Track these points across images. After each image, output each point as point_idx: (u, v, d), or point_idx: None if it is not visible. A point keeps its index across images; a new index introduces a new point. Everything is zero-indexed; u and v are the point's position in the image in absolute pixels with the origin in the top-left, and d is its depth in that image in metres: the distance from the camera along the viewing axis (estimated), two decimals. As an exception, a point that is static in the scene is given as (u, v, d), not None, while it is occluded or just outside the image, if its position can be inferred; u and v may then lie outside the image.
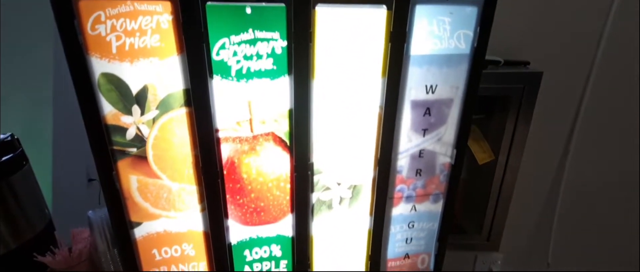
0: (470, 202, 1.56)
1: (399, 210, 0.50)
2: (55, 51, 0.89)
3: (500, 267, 1.64)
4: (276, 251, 0.49)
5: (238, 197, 0.44)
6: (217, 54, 0.37)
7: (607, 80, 1.13)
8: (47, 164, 1.08)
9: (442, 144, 0.47)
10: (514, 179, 1.39)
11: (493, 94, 1.30)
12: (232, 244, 0.47)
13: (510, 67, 0.96)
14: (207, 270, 0.47)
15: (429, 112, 0.45)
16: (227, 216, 0.45)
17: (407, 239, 0.53)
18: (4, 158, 0.91)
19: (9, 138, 0.93)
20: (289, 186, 0.45)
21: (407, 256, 0.54)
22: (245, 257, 0.48)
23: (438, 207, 0.52)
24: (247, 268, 0.49)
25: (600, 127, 1.33)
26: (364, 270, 0.53)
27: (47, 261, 0.91)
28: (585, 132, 1.36)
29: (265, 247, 0.48)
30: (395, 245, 0.53)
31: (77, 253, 0.94)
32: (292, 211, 0.47)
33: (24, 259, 1.06)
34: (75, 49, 0.34)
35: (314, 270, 0.51)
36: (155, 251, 0.45)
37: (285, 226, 0.48)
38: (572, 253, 1.64)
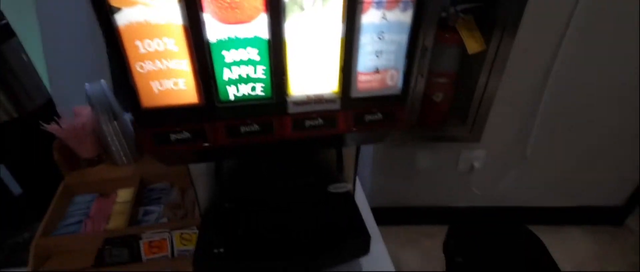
0: (457, 95, 1.61)
1: (369, 17, 0.53)
2: None
3: (481, 163, 1.75)
4: (254, 54, 0.53)
5: (212, -12, 0.46)
6: None
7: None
8: (37, 42, 1.09)
9: (412, -60, 0.48)
10: (502, 71, 1.41)
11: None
12: (211, 42, 0.50)
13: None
14: (190, 67, 0.51)
15: None
16: (202, 9, 0.47)
17: (376, 52, 0.56)
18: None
19: (-10, 8, 0.91)
20: (261, -21, 0.47)
21: (377, 70, 0.58)
22: (224, 57, 0.52)
23: (407, 17, 0.54)
24: (226, 71, 0.53)
25: (597, 23, 1.31)
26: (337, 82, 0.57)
27: (54, 129, 0.96)
28: (581, 29, 1.34)
29: (242, 50, 0.52)
30: (366, 58, 0.56)
31: (81, 125, 0.99)
32: (266, 10, 0.49)
33: (29, 130, 1.13)
34: None
35: (289, 76, 0.55)
36: (138, 42, 0.48)
37: (261, 27, 0.51)
38: (550, 149, 1.74)
